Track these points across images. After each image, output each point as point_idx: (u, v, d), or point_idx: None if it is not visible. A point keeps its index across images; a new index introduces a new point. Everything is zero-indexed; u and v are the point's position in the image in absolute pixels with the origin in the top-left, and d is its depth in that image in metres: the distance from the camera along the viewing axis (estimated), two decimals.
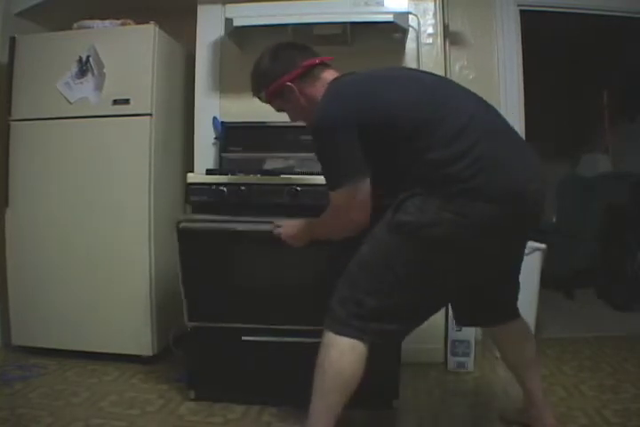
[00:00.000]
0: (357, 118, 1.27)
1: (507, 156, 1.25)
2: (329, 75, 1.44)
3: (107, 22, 2.23)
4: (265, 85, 1.46)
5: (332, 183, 1.32)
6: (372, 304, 1.26)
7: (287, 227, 1.54)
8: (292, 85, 1.42)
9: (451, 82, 1.45)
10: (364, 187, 1.29)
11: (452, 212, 1.19)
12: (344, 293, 1.31)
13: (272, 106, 1.54)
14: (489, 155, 1.21)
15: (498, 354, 1.60)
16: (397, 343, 1.65)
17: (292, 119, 1.55)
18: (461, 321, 1.60)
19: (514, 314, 1.53)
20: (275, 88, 1.44)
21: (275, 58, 1.46)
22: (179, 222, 1.69)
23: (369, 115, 1.28)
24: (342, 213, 1.33)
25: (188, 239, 1.70)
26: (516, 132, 1.35)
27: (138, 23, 2.22)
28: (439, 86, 1.37)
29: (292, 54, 1.46)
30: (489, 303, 1.49)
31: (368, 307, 1.27)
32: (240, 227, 1.64)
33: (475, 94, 1.38)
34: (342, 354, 1.26)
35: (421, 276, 1.26)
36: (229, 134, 2.26)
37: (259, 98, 1.53)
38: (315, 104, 1.38)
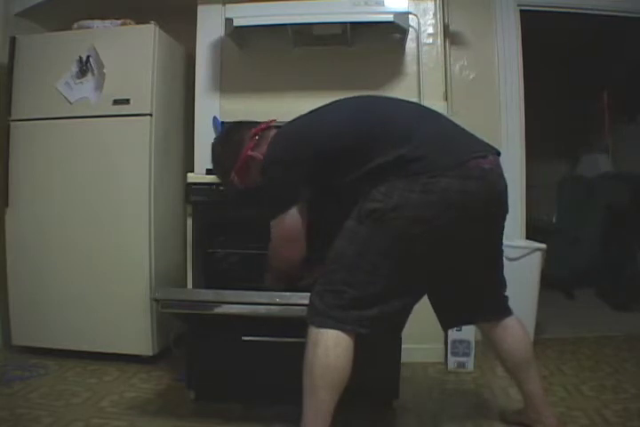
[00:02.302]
0: (308, 150, 1.37)
1: (450, 135, 1.35)
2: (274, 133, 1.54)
3: (107, 22, 2.23)
4: (231, 167, 1.56)
5: (278, 210, 1.41)
6: (350, 294, 1.28)
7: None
8: (253, 153, 1.52)
9: (383, 97, 1.57)
10: (297, 212, 1.40)
11: (416, 191, 1.24)
12: (322, 285, 1.33)
13: (246, 184, 1.58)
14: (432, 135, 1.31)
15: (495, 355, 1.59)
16: (395, 339, 1.63)
17: None
18: (448, 321, 1.58)
19: (505, 311, 1.52)
20: (241, 164, 1.54)
21: (227, 142, 1.60)
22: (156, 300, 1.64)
23: (317, 143, 1.37)
24: (283, 234, 1.43)
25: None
26: (451, 120, 1.44)
27: (138, 23, 2.22)
28: (370, 100, 1.50)
29: (239, 132, 1.58)
30: (474, 298, 1.48)
31: (346, 297, 1.28)
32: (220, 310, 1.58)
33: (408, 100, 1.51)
34: (328, 350, 1.27)
35: (396, 260, 1.28)
36: None
37: (232, 184, 1.61)
38: None
